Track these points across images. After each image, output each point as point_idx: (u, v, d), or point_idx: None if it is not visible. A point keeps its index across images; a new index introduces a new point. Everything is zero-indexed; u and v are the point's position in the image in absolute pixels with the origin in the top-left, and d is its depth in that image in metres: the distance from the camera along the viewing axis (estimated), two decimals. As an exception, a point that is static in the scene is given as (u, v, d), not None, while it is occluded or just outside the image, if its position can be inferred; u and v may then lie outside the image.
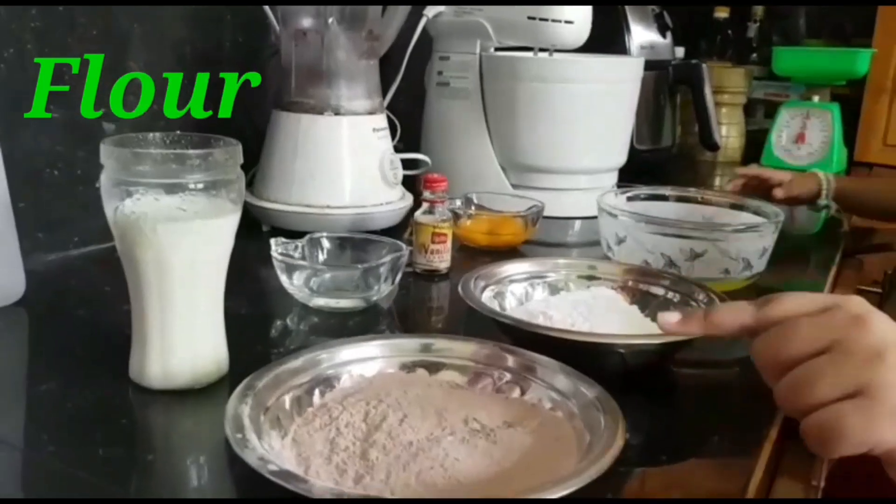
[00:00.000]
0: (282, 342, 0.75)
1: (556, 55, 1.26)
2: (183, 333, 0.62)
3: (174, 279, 0.60)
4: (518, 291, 0.78)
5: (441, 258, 0.93)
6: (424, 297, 0.90)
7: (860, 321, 0.43)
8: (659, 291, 0.78)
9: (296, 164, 1.04)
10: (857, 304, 0.45)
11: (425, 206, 0.94)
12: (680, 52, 1.85)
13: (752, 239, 0.88)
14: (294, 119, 1.05)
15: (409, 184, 1.24)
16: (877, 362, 0.42)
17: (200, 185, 0.60)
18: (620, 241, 0.92)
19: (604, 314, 0.71)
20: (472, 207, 1.12)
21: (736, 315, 0.49)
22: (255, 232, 1.08)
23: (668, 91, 1.63)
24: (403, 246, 0.84)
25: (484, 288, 0.75)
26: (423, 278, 0.94)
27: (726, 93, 1.86)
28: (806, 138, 1.80)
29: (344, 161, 1.05)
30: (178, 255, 0.60)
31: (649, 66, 1.55)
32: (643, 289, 0.79)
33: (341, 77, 1.05)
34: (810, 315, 0.45)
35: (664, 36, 1.65)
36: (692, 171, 1.83)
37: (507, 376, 0.58)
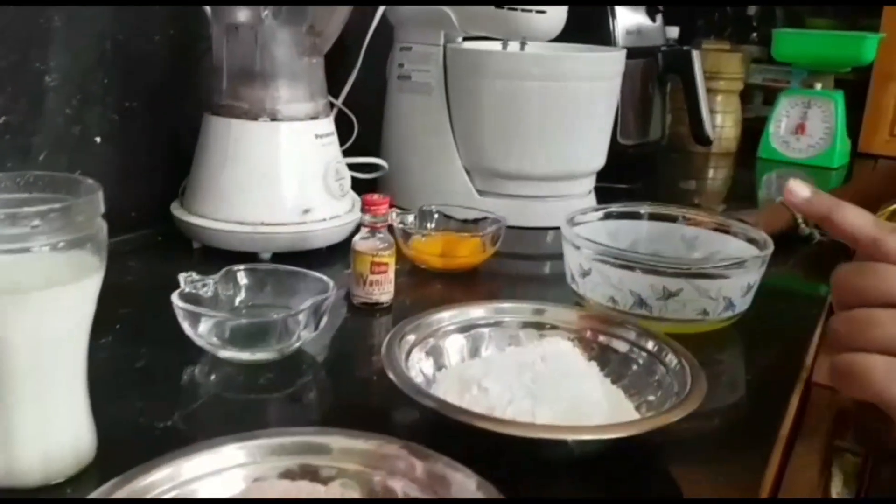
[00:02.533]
0: (172, 410, 0.63)
1: (528, 48, 1.14)
2: (31, 423, 0.51)
3: (17, 362, 0.49)
4: (457, 346, 0.67)
5: (382, 290, 0.82)
6: (359, 338, 0.79)
7: None
8: (621, 347, 0.67)
9: (225, 175, 0.93)
10: None
11: (364, 231, 0.82)
12: (674, 31, 1.72)
13: (735, 276, 0.77)
14: (224, 125, 0.93)
15: (366, 190, 1.13)
16: None
17: (46, 248, 0.48)
18: (585, 274, 0.80)
19: (554, 381, 0.60)
20: (431, 222, 1.01)
21: (860, 223, 0.48)
22: (184, 250, 0.96)
23: (657, 80, 1.50)
24: (330, 284, 0.73)
25: (416, 344, 0.63)
26: (362, 313, 0.83)
27: (722, 79, 1.73)
28: (807, 129, 1.69)
29: (281, 172, 0.93)
30: (20, 333, 0.49)
31: (637, 53, 1.43)
32: (603, 342, 0.68)
33: (278, 78, 0.93)
34: None
35: (653, 19, 1.52)
36: (684, 164, 1.71)
37: (414, 489, 0.47)
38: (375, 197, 0.82)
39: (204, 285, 0.73)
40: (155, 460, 0.45)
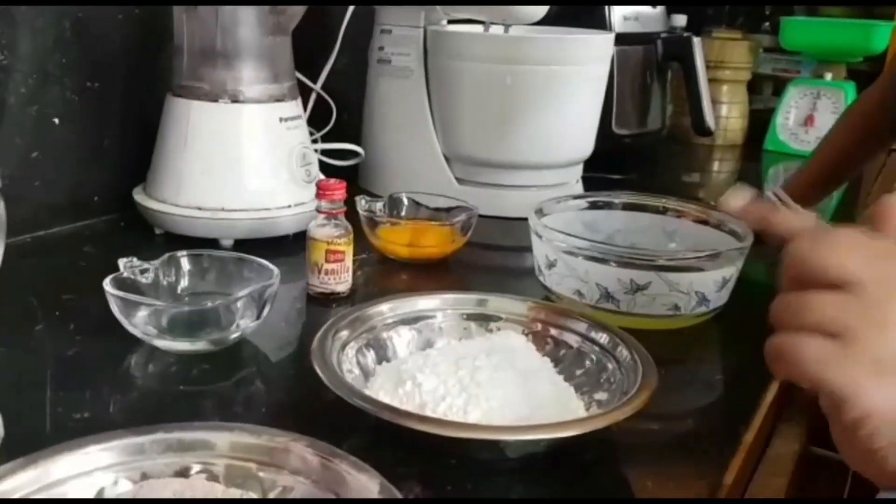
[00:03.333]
0: (93, 401, 0.60)
1: (512, 31, 1.09)
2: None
3: None
4: (405, 339, 0.63)
5: (338, 279, 0.78)
6: (308, 329, 0.74)
7: (891, 278, 0.40)
8: (572, 341, 0.62)
9: (185, 159, 0.89)
10: None
11: (320, 217, 0.78)
12: (681, 20, 1.66)
13: (709, 269, 0.72)
14: (184, 106, 0.89)
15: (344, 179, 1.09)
16: (876, 320, 0.39)
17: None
18: (551, 266, 0.76)
19: (494, 377, 0.56)
20: (401, 210, 0.96)
21: (800, 222, 0.46)
22: (146, 237, 0.93)
23: (656, 67, 1.45)
24: (274, 272, 0.69)
25: (353, 337, 0.59)
26: (317, 303, 0.79)
27: (728, 68, 1.67)
28: (815, 120, 1.63)
29: (242, 156, 0.89)
30: None
31: (635, 39, 1.39)
32: (555, 335, 0.64)
33: (240, 58, 0.89)
34: (859, 245, 0.41)
35: (653, 5, 1.47)
36: (686, 156, 1.66)
37: (309, 486, 0.43)
38: (331, 182, 0.78)
39: (143, 271, 0.69)
40: (20, 460, 0.41)
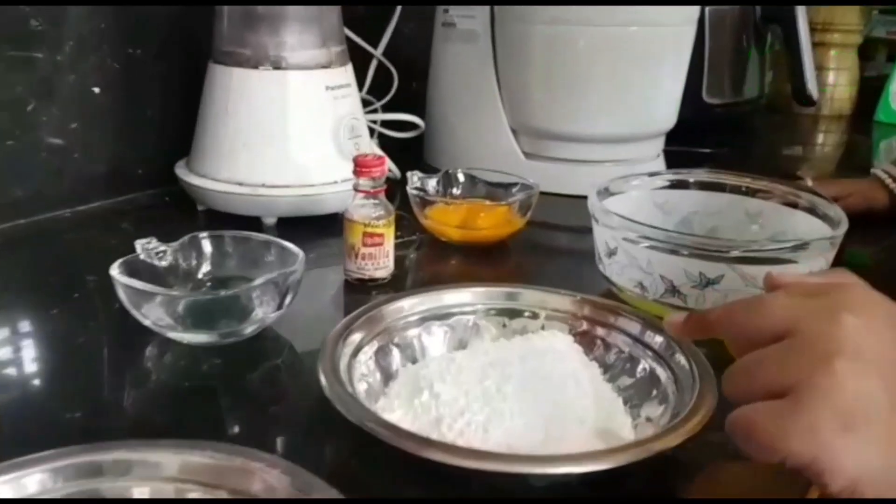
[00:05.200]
0: (87, 399, 0.55)
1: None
2: None
3: None
4: (437, 338, 0.56)
5: (376, 264, 0.71)
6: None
7: (834, 313, 0.36)
8: (622, 343, 0.54)
9: (225, 131, 0.84)
10: (848, 292, 0.38)
11: (359, 197, 0.71)
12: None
13: (792, 261, 0.62)
14: (226, 74, 0.84)
15: (411, 156, 1.03)
16: (822, 363, 0.35)
17: None
18: (611, 254, 0.67)
19: (525, 388, 0.48)
20: (456, 188, 0.89)
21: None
22: (189, 212, 0.88)
23: (753, 30, 1.32)
24: (300, 256, 0.62)
25: (369, 339, 0.52)
26: (355, 289, 0.72)
27: (837, 31, 1.53)
28: (934, 89, 1.47)
29: (285, 128, 0.83)
30: None
31: (730, -1, 1.27)
32: (603, 336, 0.55)
33: (283, 20, 0.83)
34: (796, 293, 0.39)
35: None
36: (786, 128, 1.52)
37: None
38: (370, 157, 0.71)
39: (160, 254, 0.64)
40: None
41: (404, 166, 0.96)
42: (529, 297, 0.58)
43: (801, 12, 1.26)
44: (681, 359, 0.49)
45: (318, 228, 0.84)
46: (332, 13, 0.86)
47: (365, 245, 0.70)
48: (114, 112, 0.90)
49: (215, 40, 0.85)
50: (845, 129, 1.54)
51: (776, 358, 0.37)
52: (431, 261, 0.81)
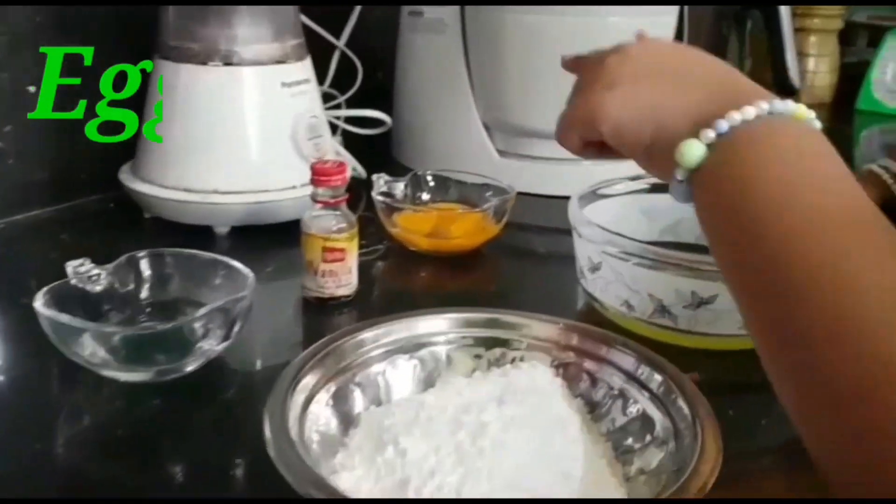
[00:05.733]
0: (23, 457, 0.48)
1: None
2: None
3: None
4: (401, 373, 0.50)
5: (338, 281, 0.65)
6: (297, 348, 0.62)
7: (622, 50, 0.49)
8: (614, 380, 0.48)
9: (173, 133, 0.77)
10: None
11: (317, 207, 0.65)
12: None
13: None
14: (171, 70, 0.77)
15: (378, 152, 0.97)
16: (600, 62, 0.49)
17: None
18: (594, 269, 0.61)
19: (504, 439, 0.42)
20: (425, 191, 0.83)
21: None
22: (135, 221, 0.81)
23: (733, 17, 1.27)
24: (249, 279, 0.56)
25: (325, 382, 0.46)
26: (314, 309, 0.66)
27: (817, 16, 1.48)
28: (918, 76, 1.42)
29: (237, 129, 0.76)
30: None
31: (708, -15, 1.21)
32: (592, 370, 0.49)
33: (235, 12, 0.76)
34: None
35: None
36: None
37: None
38: (328, 164, 0.64)
39: (93, 278, 0.57)
40: None
41: (370, 164, 0.90)
42: (508, 323, 0.52)
43: None
44: (682, 404, 0.43)
45: (275, 237, 0.77)
46: (288, 3, 0.79)
47: (325, 261, 0.64)
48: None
49: (161, 34, 0.78)
50: (826, 117, 1.49)
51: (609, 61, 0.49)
52: (399, 273, 0.75)
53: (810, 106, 0.43)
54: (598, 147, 0.50)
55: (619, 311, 0.60)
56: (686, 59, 0.47)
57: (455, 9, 0.93)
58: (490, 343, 0.52)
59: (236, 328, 0.55)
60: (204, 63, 0.75)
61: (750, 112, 0.39)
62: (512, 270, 0.79)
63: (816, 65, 1.50)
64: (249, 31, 0.76)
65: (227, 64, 0.76)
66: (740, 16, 1.28)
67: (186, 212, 0.76)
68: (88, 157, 0.86)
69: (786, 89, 1.22)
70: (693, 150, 0.40)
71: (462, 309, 0.53)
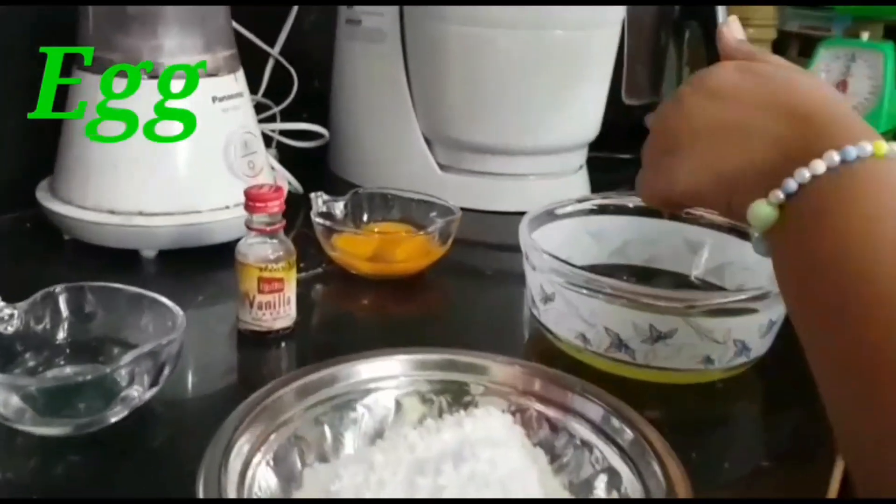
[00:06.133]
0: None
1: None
2: None
3: None
4: (346, 421, 0.46)
5: (275, 314, 0.61)
6: (233, 391, 0.57)
7: (677, 100, 0.46)
8: (578, 430, 0.45)
9: (93, 149, 0.72)
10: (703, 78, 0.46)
11: (251, 235, 0.61)
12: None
13: (753, 312, 0.55)
14: (91, 83, 0.71)
15: (314, 164, 0.92)
16: (661, 122, 0.48)
17: None
18: (547, 300, 0.59)
19: (461, 497, 0.39)
20: (366, 211, 0.79)
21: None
22: (54, 242, 0.76)
23: (672, 27, 1.26)
24: (178, 318, 0.52)
25: (261, 443, 0.42)
26: (251, 344, 0.62)
27: (751, 26, 1.47)
28: (849, 86, 1.44)
29: (163, 146, 0.71)
30: None
31: (648, -6, 1.20)
32: (553, 418, 0.47)
33: (161, 20, 0.71)
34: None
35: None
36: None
37: None
38: (264, 189, 0.60)
39: (3, 318, 0.52)
40: None
41: (305, 178, 0.86)
42: (463, 365, 0.49)
43: (721, 9, 1.20)
44: (654, 466, 0.40)
45: (206, 260, 0.73)
46: (218, 9, 0.75)
47: (262, 292, 0.60)
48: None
49: (78, 43, 0.72)
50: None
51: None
52: (340, 299, 0.71)
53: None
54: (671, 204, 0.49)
55: (573, 344, 0.58)
56: (745, 99, 0.42)
57: (395, 18, 0.90)
58: (444, 388, 0.48)
59: (165, 373, 0.50)
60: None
61: (819, 167, 0.36)
62: (458, 294, 0.75)
63: (751, 74, 1.50)
64: (176, 42, 0.72)
65: (153, 77, 0.71)
66: (678, 26, 1.27)
67: (109, 235, 0.71)
68: (1, 172, 0.80)
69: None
70: (763, 212, 0.38)
71: (413, 350, 0.49)
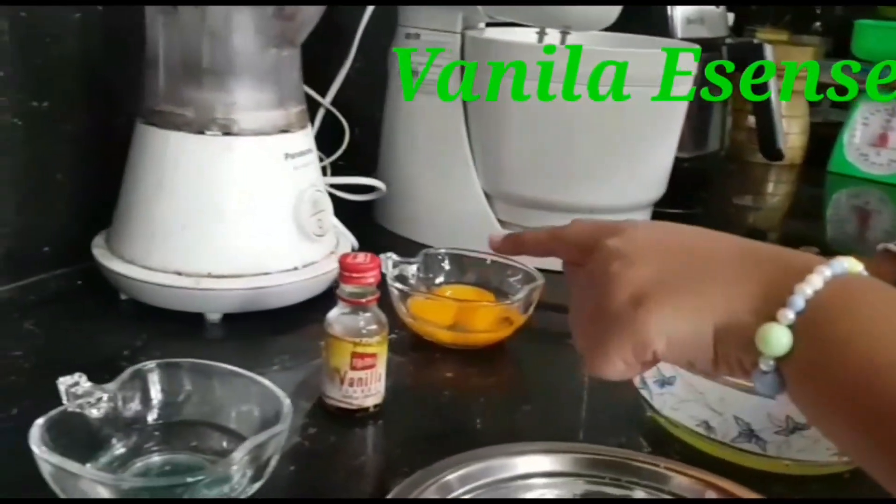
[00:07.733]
0: None
1: (571, 39, 0.88)
2: None
3: None
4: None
5: (366, 391, 0.57)
6: (320, 474, 0.53)
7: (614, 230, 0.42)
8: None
9: (159, 207, 0.68)
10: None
11: (343, 305, 0.57)
12: (729, 18, 1.46)
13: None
14: (160, 138, 0.68)
15: (358, 215, 0.88)
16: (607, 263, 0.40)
17: None
18: (664, 383, 0.55)
19: None
20: (440, 274, 0.75)
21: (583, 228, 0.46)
22: (109, 302, 0.71)
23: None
24: (284, 406, 0.47)
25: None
26: (336, 421, 0.57)
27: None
28: (890, 140, 1.42)
29: (234, 205, 0.68)
30: None
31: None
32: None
33: (235, 76, 0.67)
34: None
35: (716, 4, 1.26)
36: (742, 176, 1.45)
37: None
38: (359, 259, 0.56)
39: (92, 403, 0.47)
40: None
41: (354, 233, 0.83)
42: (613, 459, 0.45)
43: (768, 53, 1.18)
44: None
45: (271, 322, 0.69)
46: (292, 66, 0.71)
47: (354, 368, 0.56)
48: (14, 177, 0.72)
49: (147, 96, 0.69)
50: (796, 178, 1.48)
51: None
52: (420, 371, 0.67)
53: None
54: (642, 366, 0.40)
55: (693, 432, 0.54)
56: (689, 238, 0.40)
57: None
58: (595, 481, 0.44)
59: (270, 468, 0.46)
60: (200, 132, 0.67)
61: (816, 281, 0.34)
62: (546, 366, 0.71)
63: (789, 126, 1.48)
64: (251, 97, 0.68)
65: (227, 134, 0.67)
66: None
67: (175, 298, 0.67)
68: (52, 227, 0.76)
69: (773, 156, 1.19)
70: (777, 335, 0.34)
71: (563, 445, 0.45)
